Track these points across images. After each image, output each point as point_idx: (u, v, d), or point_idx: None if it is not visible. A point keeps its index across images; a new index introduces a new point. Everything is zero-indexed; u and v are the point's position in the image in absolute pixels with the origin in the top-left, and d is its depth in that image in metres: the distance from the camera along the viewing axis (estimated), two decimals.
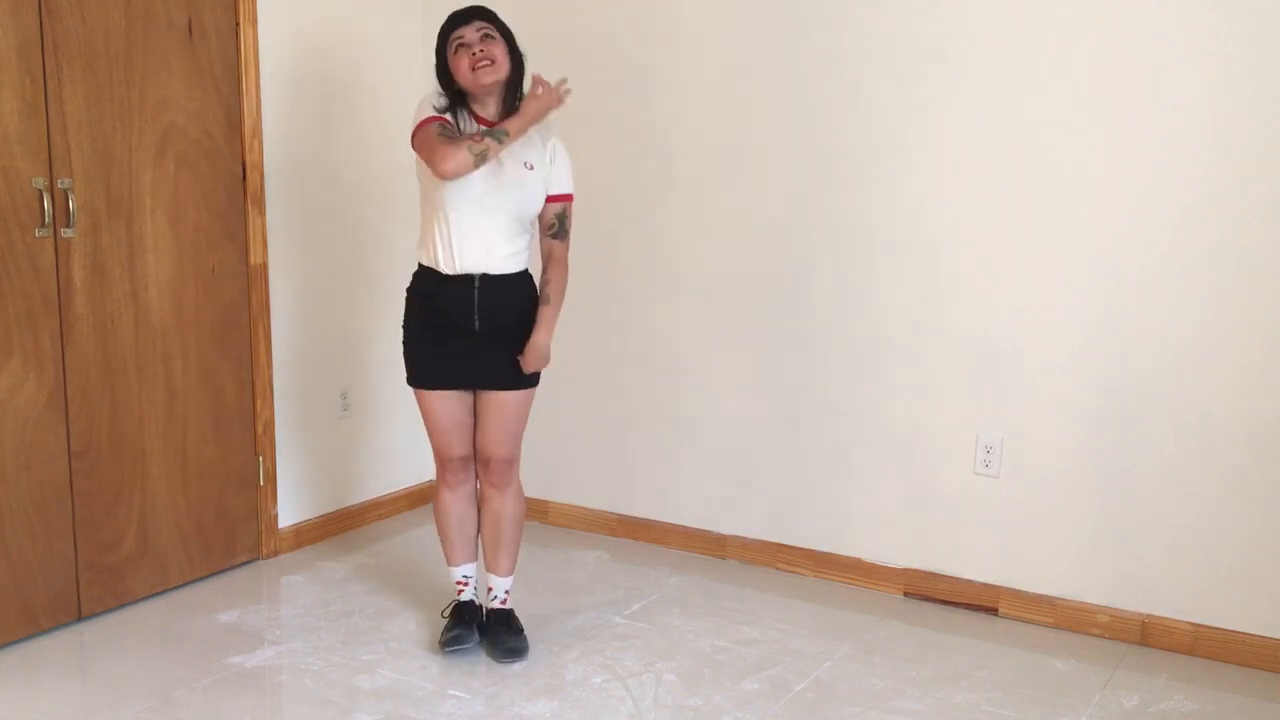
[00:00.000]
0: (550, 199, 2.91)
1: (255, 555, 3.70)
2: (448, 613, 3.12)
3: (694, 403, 3.79)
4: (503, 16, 2.84)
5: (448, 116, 2.79)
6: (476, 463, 3.03)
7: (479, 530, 3.10)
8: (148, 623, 3.22)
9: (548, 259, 2.96)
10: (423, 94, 2.87)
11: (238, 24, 3.44)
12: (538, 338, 2.91)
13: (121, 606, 3.30)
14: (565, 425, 4.06)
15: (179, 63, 3.30)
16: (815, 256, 3.51)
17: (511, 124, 2.73)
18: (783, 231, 3.56)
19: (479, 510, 3.09)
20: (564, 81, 2.77)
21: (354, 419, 4.03)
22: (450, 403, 2.94)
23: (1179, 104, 2.96)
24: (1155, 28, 2.96)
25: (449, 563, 3.11)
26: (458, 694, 2.82)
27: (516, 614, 3.11)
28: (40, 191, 2.98)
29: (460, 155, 2.66)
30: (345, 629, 3.19)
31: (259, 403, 3.64)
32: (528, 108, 2.75)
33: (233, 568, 3.63)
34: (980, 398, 3.31)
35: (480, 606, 3.13)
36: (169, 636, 3.13)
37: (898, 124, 3.33)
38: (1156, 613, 3.14)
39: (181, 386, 3.40)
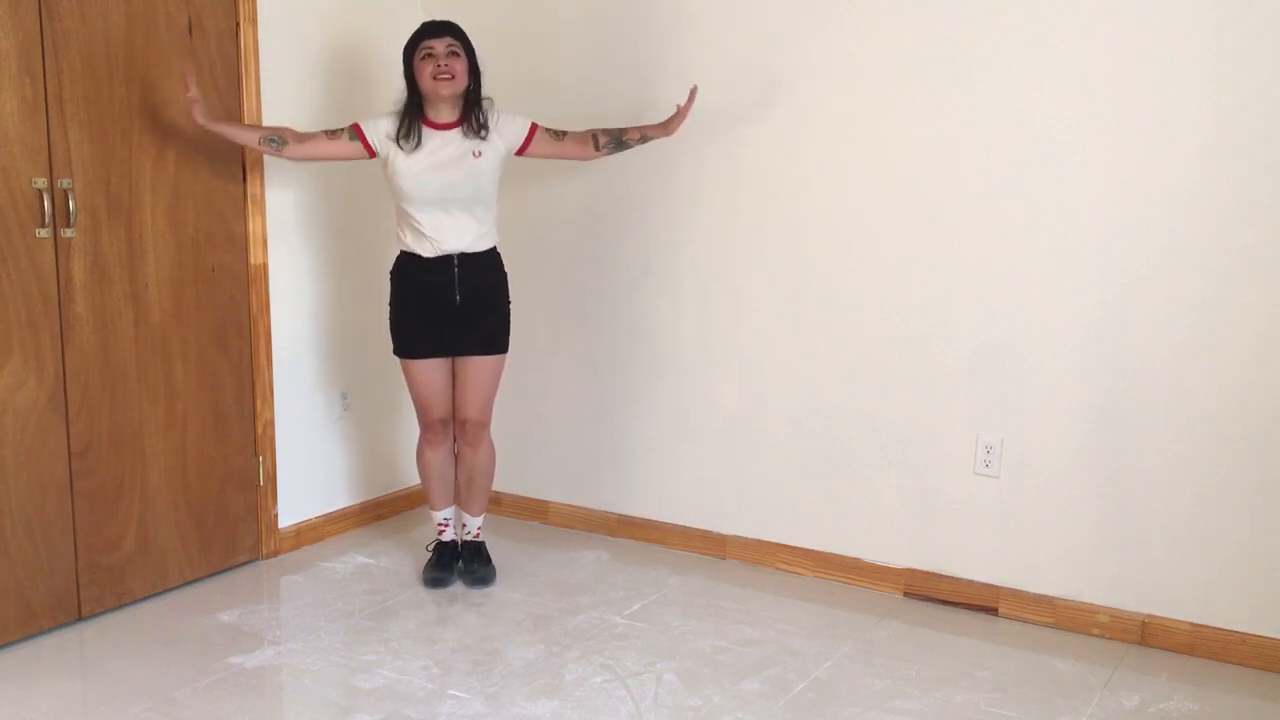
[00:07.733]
0: (526, 145, 3.30)
1: (255, 555, 3.70)
2: (431, 548, 3.61)
3: (694, 403, 3.79)
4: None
5: (362, 124, 3.25)
6: (454, 424, 3.44)
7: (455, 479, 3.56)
8: (148, 623, 3.22)
9: (585, 140, 3.35)
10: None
11: (238, 24, 3.45)
12: (672, 120, 3.34)
13: (121, 606, 3.30)
14: (565, 425, 4.05)
15: (179, 63, 3.30)
16: (815, 256, 3.52)
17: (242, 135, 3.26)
18: (782, 231, 3.56)
19: (455, 462, 3.53)
20: None
21: (354, 419, 4.03)
22: (433, 371, 3.34)
23: (1179, 104, 2.96)
24: (1154, 28, 2.96)
25: (432, 508, 3.57)
26: (458, 694, 2.82)
27: (487, 547, 3.62)
28: (40, 191, 2.98)
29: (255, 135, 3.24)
30: (345, 629, 3.19)
31: (259, 403, 3.64)
32: None
33: (233, 568, 3.63)
34: (980, 398, 3.31)
35: (457, 544, 3.59)
36: (169, 636, 3.13)
37: (898, 124, 3.33)
38: (1156, 613, 3.14)
39: (181, 386, 3.40)
